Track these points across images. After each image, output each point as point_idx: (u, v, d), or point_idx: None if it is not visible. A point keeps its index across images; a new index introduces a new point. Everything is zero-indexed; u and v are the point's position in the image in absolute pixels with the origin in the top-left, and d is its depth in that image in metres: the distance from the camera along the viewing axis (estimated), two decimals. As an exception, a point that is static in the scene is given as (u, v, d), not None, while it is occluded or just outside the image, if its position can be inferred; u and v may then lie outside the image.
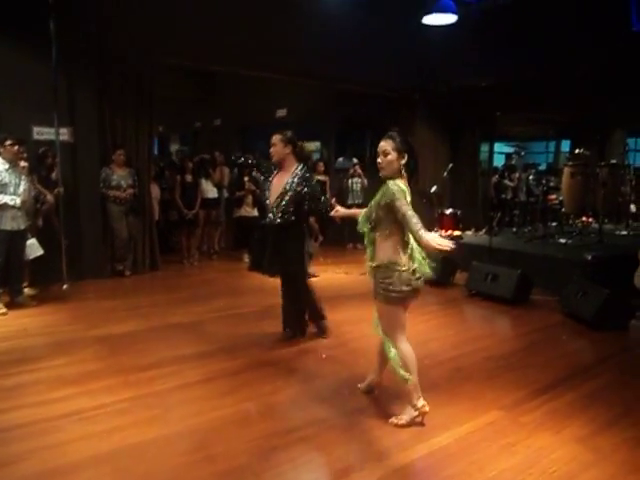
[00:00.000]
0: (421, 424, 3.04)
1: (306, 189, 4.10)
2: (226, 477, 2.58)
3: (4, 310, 5.14)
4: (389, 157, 2.95)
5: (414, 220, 2.80)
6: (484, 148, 10.72)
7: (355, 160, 9.57)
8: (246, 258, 7.70)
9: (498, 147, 11.93)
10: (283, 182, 4.13)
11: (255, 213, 7.77)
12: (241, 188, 8.05)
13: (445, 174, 8.22)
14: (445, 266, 6.41)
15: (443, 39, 7.23)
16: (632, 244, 6.55)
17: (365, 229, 3.13)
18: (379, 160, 2.99)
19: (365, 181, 9.20)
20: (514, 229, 8.44)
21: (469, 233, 8.23)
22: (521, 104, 9.70)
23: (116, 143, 6.74)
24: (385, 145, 2.97)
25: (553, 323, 5.19)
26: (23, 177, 5.29)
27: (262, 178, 4.80)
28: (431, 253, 3.06)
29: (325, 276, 7.16)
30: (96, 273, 6.61)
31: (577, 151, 7.97)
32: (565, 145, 14.23)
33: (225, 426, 3.05)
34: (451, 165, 8.40)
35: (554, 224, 8.33)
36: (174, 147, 15.47)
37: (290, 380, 3.74)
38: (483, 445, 2.86)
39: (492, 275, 5.92)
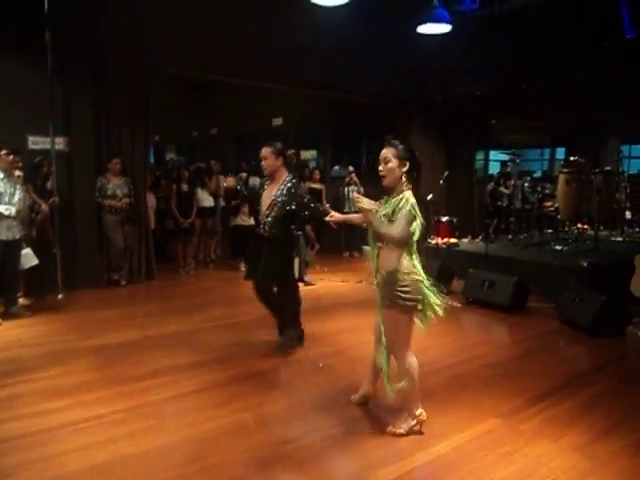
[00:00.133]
0: (419, 433, 3.02)
1: (293, 206, 4.10)
2: (222, 488, 2.56)
3: (-1, 321, 5.11)
4: (390, 165, 2.92)
5: (388, 228, 2.85)
6: (479, 156, 10.78)
7: (351, 168, 9.62)
8: (242, 267, 7.69)
9: (493, 155, 11.98)
10: (272, 193, 4.15)
11: (251, 222, 7.74)
12: (237, 197, 8.04)
13: (441, 182, 8.24)
14: (442, 274, 6.41)
15: (438, 48, 7.28)
16: (628, 251, 6.57)
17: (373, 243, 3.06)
18: (380, 168, 2.96)
19: (361, 189, 9.20)
20: (510, 236, 8.46)
21: (465, 241, 8.25)
22: (516, 112, 9.76)
23: (112, 152, 6.73)
24: (386, 152, 2.94)
25: (550, 330, 5.19)
26: (18, 186, 5.27)
27: (257, 187, 4.80)
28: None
29: (322, 284, 7.15)
30: (92, 283, 6.58)
31: (572, 158, 8.01)
32: (560, 153, 14.32)
33: (221, 437, 3.02)
34: (447, 173, 8.43)
35: (550, 231, 8.35)
36: (170, 156, 15.49)
37: (287, 389, 3.72)
38: (481, 454, 2.84)
39: (489, 282, 5.93)
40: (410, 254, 2.93)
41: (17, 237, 5.24)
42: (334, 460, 2.80)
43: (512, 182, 10.26)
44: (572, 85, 7.88)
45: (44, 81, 5.75)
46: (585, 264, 6.04)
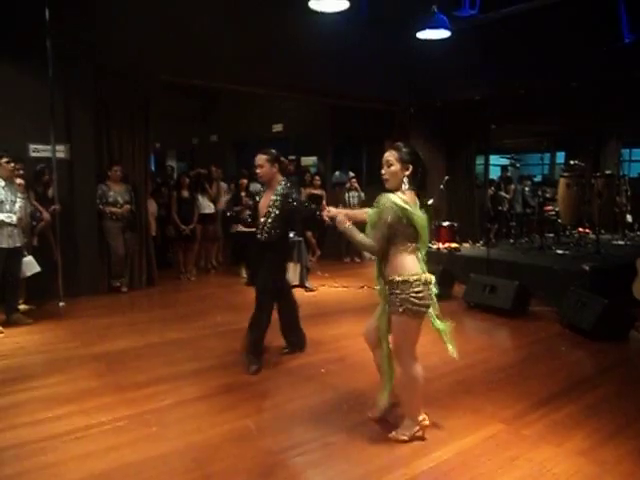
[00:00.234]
0: (422, 438, 3.01)
1: (288, 208, 4.09)
2: (224, 496, 2.54)
3: (0, 329, 5.09)
4: (392, 168, 2.88)
5: (366, 239, 2.87)
6: (480, 161, 10.77)
7: (352, 174, 9.63)
8: (244, 273, 7.69)
9: (494, 159, 11.98)
10: (269, 199, 4.16)
11: (252, 228, 7.75)
12: (238, 203, 8.04)
13: (441, 187, 8.25)
14: (443, 279, 6.39)
15: (438, 53, 7.30)
16: (629, 254, 6.57)
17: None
18: (383, 171, 2.93)
19: (362, 194, 9.24)
20: (511, 241, 8.46)
21: (466, 245, 8.25)
22: (516, 117, 9.77)
23: (113, 159, 6.75)
24: (389, 156, 2.90)
25: (552, 334, 5.18)
26: (19, 194, 5.28)
27: (256, 195, 4.79)
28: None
29: (323, 290, 7.14)
30: (93, 290, 6.58)
31: (572, 162, 8.03)
32: (560, 157, 14.31)
33: (224, 443, 3.01)
34: (447, 178, 8.44)
35: (551, 235, 8.35)
36: (169, 163, 15.50)
37: (289, 396, 3.70)
38: (484, 459, 2.82)
39: (490, 287, 5.92)
40: (418, 258, 2.91)
41: (18, 245, 5.24)
42: (337, 467, 2.77)
43: (513, 186, 10.28)
44: (571, 89, 7.90)
45: (45, 89, 5.78)
46: (587, 268, 6.02)
